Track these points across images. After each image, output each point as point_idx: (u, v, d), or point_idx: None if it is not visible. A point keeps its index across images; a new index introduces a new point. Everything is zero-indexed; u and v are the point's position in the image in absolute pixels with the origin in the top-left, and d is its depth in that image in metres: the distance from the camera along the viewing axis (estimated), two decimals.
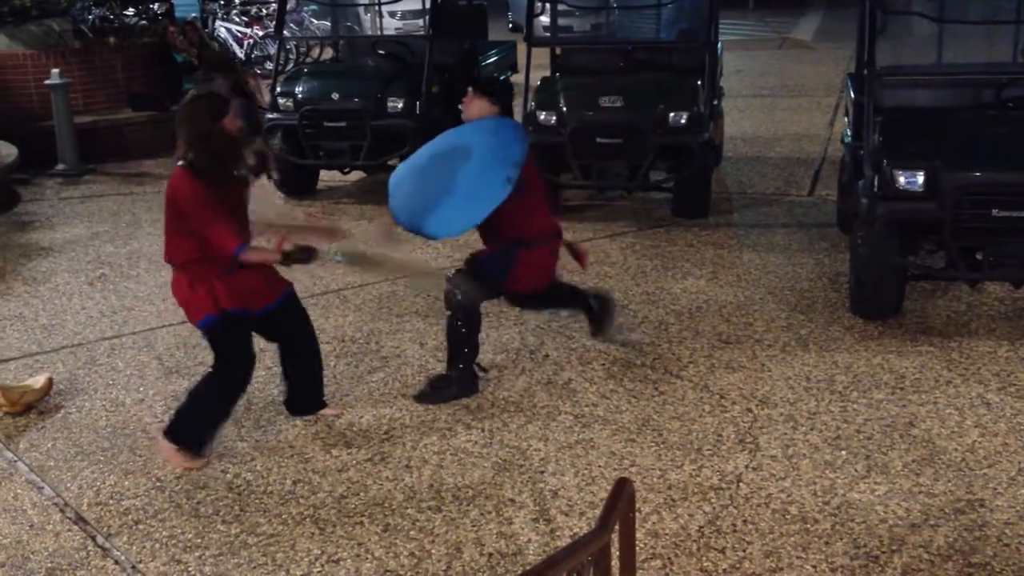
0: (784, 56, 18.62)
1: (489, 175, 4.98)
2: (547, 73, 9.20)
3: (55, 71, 10.56)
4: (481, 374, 5.33)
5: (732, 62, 15.08)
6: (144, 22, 12.83)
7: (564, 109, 8.10)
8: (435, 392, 5.20)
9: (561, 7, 9.55)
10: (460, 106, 5.38)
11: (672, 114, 7.94)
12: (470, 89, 5.34)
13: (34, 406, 5.24)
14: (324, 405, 5.11)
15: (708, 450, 4.62)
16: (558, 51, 9.58)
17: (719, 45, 8.96)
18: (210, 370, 4.74)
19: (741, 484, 4.33)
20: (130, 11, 12.90)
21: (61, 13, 11.96)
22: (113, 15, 12.55)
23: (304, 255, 4.63)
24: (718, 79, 9.03)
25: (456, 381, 5.20)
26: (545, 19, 10.37)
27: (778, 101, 13.64)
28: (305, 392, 5.07)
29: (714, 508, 4.16)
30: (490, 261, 5.23)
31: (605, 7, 11.59)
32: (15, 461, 4.74)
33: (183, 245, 4.49)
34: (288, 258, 4.58)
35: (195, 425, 4.65)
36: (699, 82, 8.29)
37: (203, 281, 4.51)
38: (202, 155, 4.38)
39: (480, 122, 5.27)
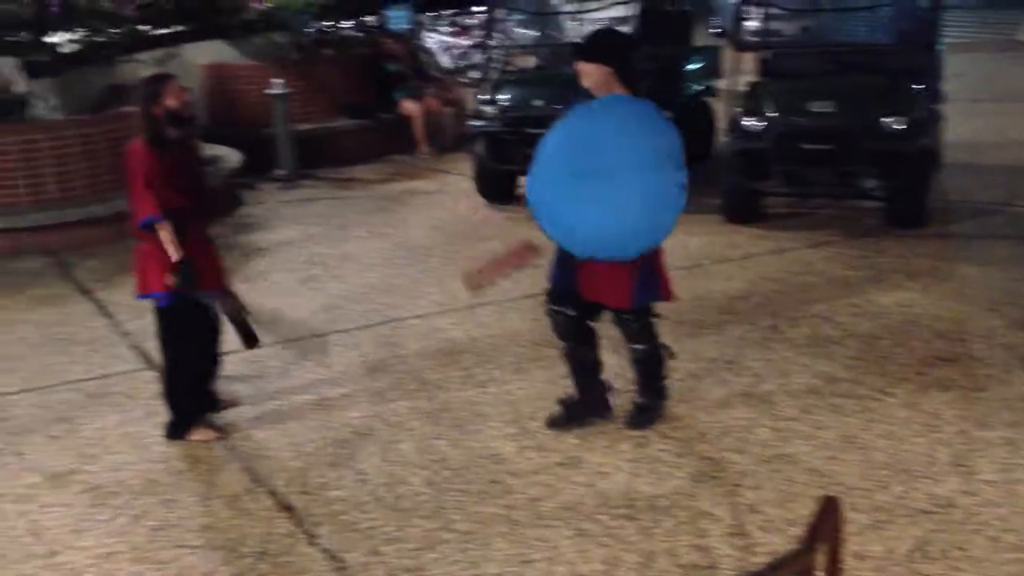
0: (1010, 59, 17.56)
1: (665, 184, 4.44)
2: (753, 78, 9.02)
3: (278, 81, 11.13)
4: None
5: (952, 65, 14.31)
6: (361, 34, 13.40)
7: (770, 114, 7.90)
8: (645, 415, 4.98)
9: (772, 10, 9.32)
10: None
11: (886, 119, 7.62)
12: (579, 61, 4.62)
13: None
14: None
15: (918, 471, 4.39)
16: (766, 55, 9.37)
17: (940, 46, 8.53)
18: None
19: (954, 508, 4.09)
20: (346, 24, 13.49)
21: (284, 26, 12.63)
22: (331, 28, 13.15)
23: (184, 275, 4.71)
24: (939, 82, 8.59)
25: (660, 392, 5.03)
26: (754, 23, 10.14)
27: (1003, 106, 12.88)
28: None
29: (924, 532, 3.94)
30: None
31: (818, 9, 11.23)
32: (232, 449, 5.02)
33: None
34: (176, 271, 4.71)
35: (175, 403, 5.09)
36: (916, 85, 7.92)
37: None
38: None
39: (619, 109, 4.58)
